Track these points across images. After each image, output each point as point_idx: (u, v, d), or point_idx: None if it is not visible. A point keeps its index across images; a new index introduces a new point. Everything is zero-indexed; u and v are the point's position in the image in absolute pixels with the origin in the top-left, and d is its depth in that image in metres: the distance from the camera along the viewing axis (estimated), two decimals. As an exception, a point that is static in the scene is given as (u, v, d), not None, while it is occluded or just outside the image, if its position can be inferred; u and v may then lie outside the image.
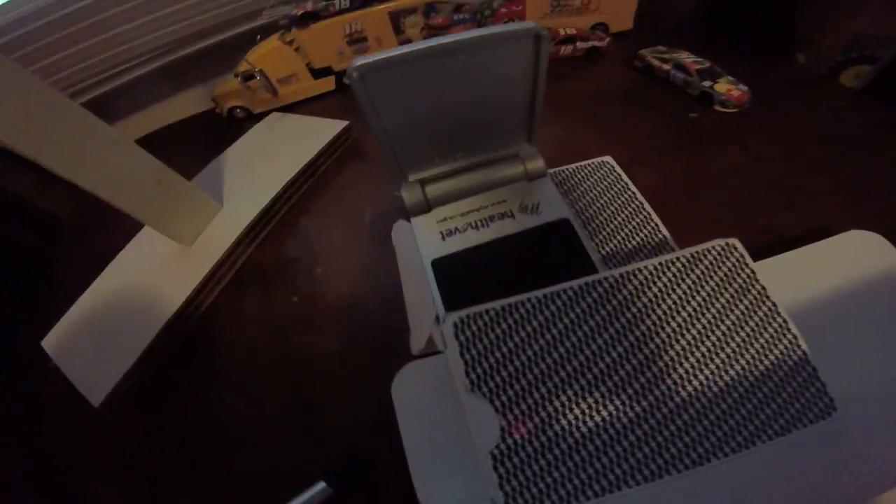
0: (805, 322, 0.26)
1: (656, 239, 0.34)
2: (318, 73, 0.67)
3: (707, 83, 0.53)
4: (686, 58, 0.56)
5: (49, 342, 0.47)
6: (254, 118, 0.67)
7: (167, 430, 0.40)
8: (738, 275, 0.28)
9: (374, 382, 0.32)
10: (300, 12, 0.60)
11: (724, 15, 0.69)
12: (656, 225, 0.34)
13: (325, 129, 0.55)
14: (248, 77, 0.63)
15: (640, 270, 0.28)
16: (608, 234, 0.35)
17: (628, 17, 0.69)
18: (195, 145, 0.60)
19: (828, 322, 0.28)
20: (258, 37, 0.66)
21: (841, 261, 0.31)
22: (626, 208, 0.36)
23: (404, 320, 0.33)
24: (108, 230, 0.55)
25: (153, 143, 0.63)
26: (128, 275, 0.51)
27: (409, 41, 0.64)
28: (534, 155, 0.35)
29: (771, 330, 0.27)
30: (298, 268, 0.47)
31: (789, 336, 0.26)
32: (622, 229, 0.35)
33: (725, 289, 0.28)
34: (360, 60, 0.24)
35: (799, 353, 0.26)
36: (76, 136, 0.42)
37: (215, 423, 0.39)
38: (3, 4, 0.59)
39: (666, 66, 0.57)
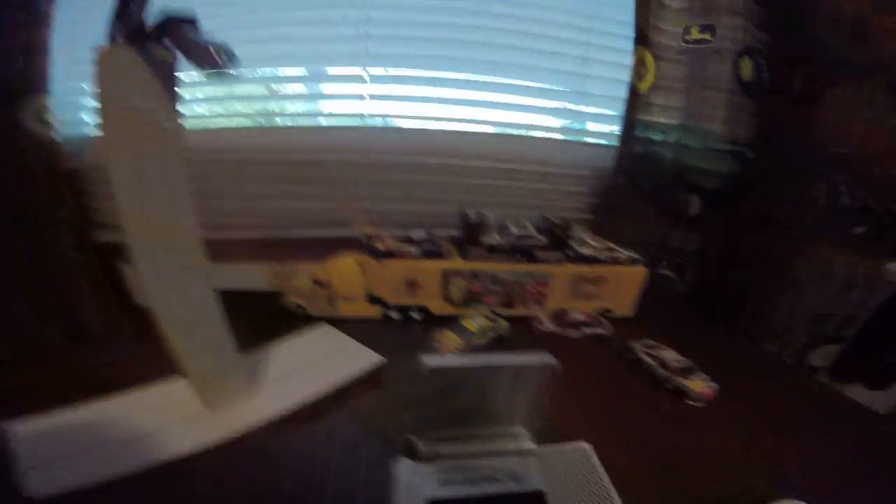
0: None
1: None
2: (371, 300, 0.79)
3: (682, 379, 0.64)
4: (668, 354, 0.68)
5: (20, 427, 0.46)
6: (307, 318, 0.77)
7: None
8: None
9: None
10: (382, 247, 0.77)
11: (705, 309, 0.85)
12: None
13: (362, 357, 0.63)
14: (319, 283, 0.77)
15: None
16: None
17: (629, 306, 0.84)
18: (249, 320, 0.62)
19: None
20: (338, 249, 0.80)
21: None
22: (592, 491, 0.46)
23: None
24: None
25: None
26: (137, 406, 0.52)
27: (449, 298, 0.80)
28: (524, 436, 0.48)
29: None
30: (299, 463, 0.48)
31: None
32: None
33: None
34: (432, 362, 0.41)
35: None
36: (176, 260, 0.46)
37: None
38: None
39: (651, 361, 0.69)
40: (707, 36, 0.93)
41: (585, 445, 0.51)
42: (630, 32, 0.92)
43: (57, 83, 0.85)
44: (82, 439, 0.47)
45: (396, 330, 0.78)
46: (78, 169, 0.90)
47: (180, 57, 0.40)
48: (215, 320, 0.51)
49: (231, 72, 0.39)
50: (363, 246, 0.81)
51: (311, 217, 0.93)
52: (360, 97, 0.88)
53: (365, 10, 0.83)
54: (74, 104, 0.92)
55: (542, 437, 0.48)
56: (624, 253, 0.85)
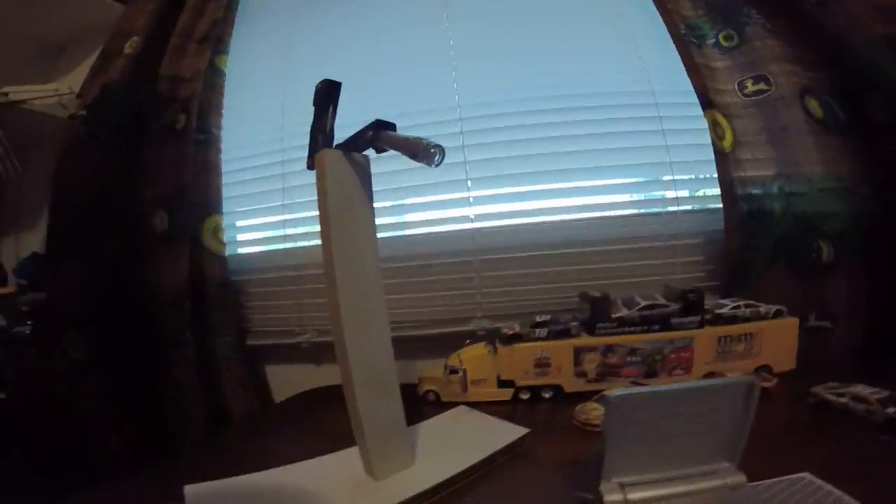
0: None
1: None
2: (501, 383, 0.80)
3: (891, 409, 0.55)
4: (862, 389, 0.60)
5: (191, 490, 0.50)
6: (440, 405, 0.80)
7: None
8: None
9: None
10: (510, 332, 0.78)
11: (888, 346, 0.73)
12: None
13: (507, 431, 0.63)
14: (453, 371, 0.80)
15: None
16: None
17: (790, 358, 0.77)
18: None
19: None
20: (467, 340, 0.86)
21: None
22: None
23: None
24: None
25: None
26: (303, 475, 0.54)
27: (584, 374, 0.78)
28: (734, 472, 0.41)
29: None
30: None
31: None
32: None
33: None
34: (618, 392, 0.38)
35: None
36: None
37: None
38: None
39: (843, 400, 0.61)
40: (763, 86, 0.98)
41: (807, 475, 0.43)
42: (694, 98, 0.97)
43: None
44: None
45: (528, 410, 0.78)
46: (239, 281, 1.07)
47: (395, 153, 0.48)
48: (395, 393, 0.55)
49: (438, 160, 0.44)
50: (489, 336, 0.85)
51: (432, 317, 0.98)
52: (468, 202, 1.00)
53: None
54: (237, 225, 1.12)
55: (751, 473, 0.42)
56: (766, 307, 0.80)
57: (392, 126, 0.49)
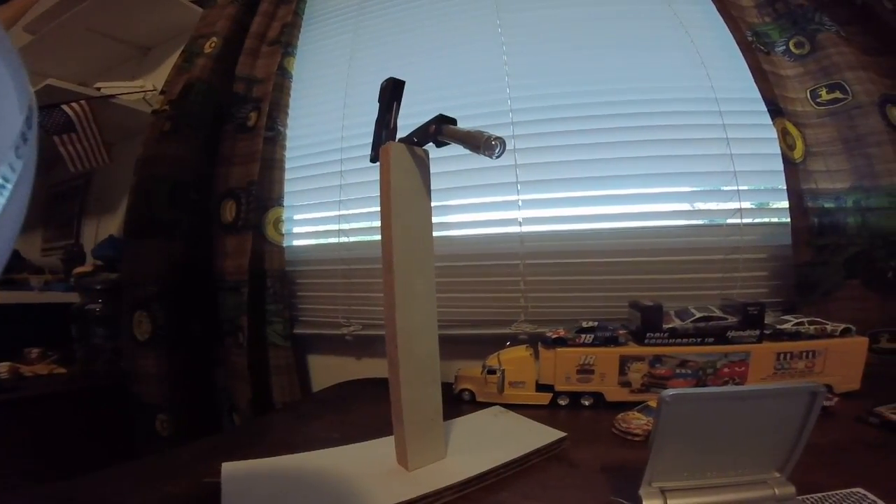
0: None
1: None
2: (539, 388, 0.79)
3: None
4: None
5: (229, 467, 0.52)
6: (476, 404, 0.80)
7: None
8: None
9: None
10: (555, 336, 0.77)
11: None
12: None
13: (543, 433, 0.62)
14: (491, 372, 0.80)
15: None
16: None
17: (856, 379, 0.72)
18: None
19: None
20: (507, 343, 0.86)
21: None
22: None
23: None
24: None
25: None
26: (338, 460, 0.56)
27: (628, 384, 0.76)
28: (785, 483, 0.39)
29: None
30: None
31: None
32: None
33: None
34: (673, 391, 0.37)
35: None
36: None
37: None
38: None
39: None
40: (838, 95, 0.93)
41: (860, 490, 0.41)
42: (762, 106, 0.93)
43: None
44: (285, 484, 0.51)
45: (565, 416, 0.77)
46: (294, 272, 1.13)
47: (457, 146, 0.49)
48: (436, 384, 0.57)
49: (499, 152, 0.45)
50: (531, 339, 0.83)
51: (475, 317, 0.99)
52: (516, 206, 1.00)
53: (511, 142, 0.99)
54: (295, 218, 1.18)
55: (801, 486, 0.40)
56: (834, 325, 0.75)
57: (453, 121, 0.51)
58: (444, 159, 0.78)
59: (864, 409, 0.64)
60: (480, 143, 0.44)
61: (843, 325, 0.75)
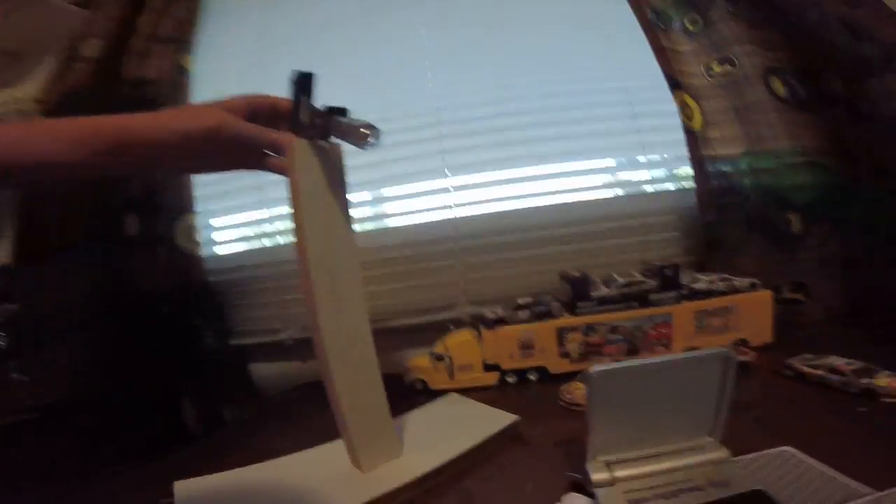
0: None
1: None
2: (487, 368, 0.81)
3: (865, 380, 0.57)
4: (836, 361, 0.62)
5: (182, 487, 0.50)
6: (428, 393, 0.80)
7: None
8: None
9: None
10: (494, 316, 0.79)
11: (860, 316, 0.76)
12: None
13: (498, 419, 0.63)
14: (439, 358, 0.80)
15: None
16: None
17: (767, 331, 0.80)
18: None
19: None
20: (451, 326, 0.87)
21: None
22: (816, 486, 0.39)
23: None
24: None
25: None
26: (291, 469, 0.55)
27: (567, 354, 0.79)
28: (717, 446, 0.42)
29: None
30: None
31: None
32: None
33: None
34: (599, 367, 0.40)
35: None
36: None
37: None
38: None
39: (818, 371, 0.63)
40: (728, 68, 1.02)
41: (789, 448, 0.44)
42: (664, 82, 1.00)
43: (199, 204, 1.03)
44: (240, 498, 0.49)
45: (515, 393, 0.79)
46: (216, 282, 1.06)
47: (339, 141, 0.48)
48: (377, 385, 0.55)
49: (376, 144, 0.44)
50: (473, 322, 0.86)
51: (417, 306, 0.99)
52: (446, 190, 1.00)
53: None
54: (211, 224, 1.09)
55: (734, 448, 0.43)
56: (741, 280, 0.82)
57: (342, 111, 0.49)
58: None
59: (780, 362, 0.70)
60: (357, 136, 0.44)
61: (749, 280, 0.82)
